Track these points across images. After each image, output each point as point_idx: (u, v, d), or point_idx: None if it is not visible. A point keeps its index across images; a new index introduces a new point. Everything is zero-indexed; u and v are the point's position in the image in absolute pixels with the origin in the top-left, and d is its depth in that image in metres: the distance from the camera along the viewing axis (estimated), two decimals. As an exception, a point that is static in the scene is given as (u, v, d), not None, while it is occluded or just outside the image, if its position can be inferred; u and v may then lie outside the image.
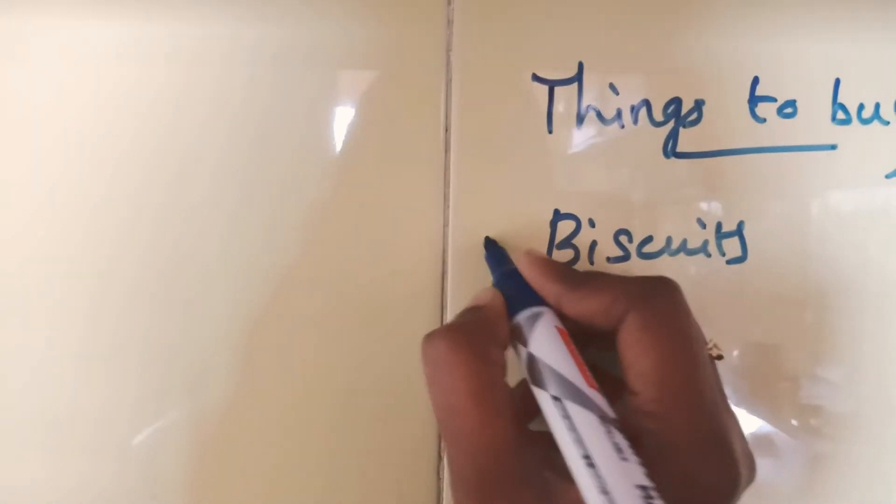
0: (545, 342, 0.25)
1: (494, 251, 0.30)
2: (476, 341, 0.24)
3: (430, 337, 0.25)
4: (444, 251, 0.31)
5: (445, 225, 0.31)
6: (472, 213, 0.31)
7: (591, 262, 0.32)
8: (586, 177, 0.32)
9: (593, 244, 0.32)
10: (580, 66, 0.31)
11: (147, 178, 0.30)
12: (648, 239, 0.32)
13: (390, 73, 0.30)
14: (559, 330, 0.25)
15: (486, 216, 0.31)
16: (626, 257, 0.32)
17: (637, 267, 0.32)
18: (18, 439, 0.30)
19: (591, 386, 0.24)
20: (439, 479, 0.32)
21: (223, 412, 0.31)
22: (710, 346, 0.33)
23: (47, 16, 0.29)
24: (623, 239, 0.32)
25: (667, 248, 0.32)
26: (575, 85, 0.31)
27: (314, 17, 0.30)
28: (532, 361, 0.25)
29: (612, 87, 0.31)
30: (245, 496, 0.32)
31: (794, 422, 0.35)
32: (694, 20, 0.32)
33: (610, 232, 0.32)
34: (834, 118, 0.33)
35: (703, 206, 0.32)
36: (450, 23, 0.30)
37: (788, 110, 0.32)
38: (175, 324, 0.31)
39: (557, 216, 0.32)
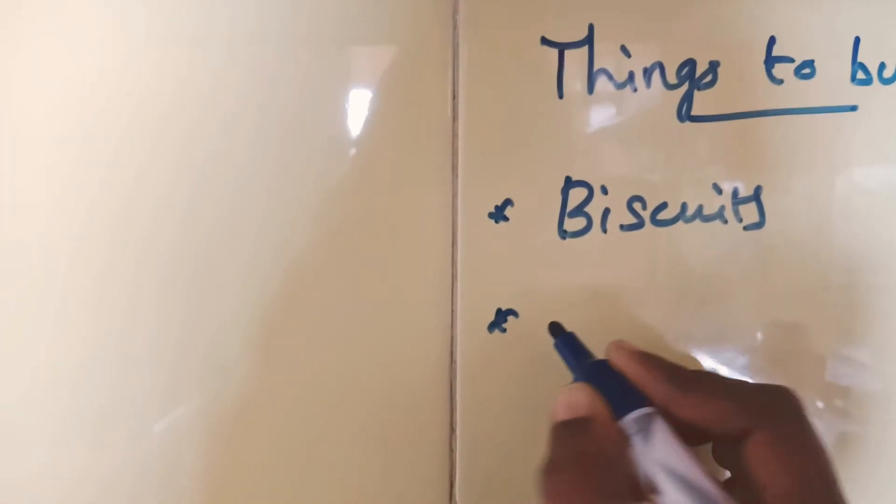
0: (671, 448, 0.24)
1: (567, 340, 0.29)
2: (599, 473, 0.23)
3: (549, 473, 0.24)
4: (454, 221, 0.31)
5: (455, 194, 0.31)
6: (481, 181, 0.31)
7: (604, 230, 0.31)
8: (598, 143, 0.31)
9: (606, 212, 0.31)
10: (590, 28, 0.30)
11: (153, 169, 0.29)
12: (663, 205, 0.31)
13: (397, 38, 0.30)
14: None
15: (496, 184, 0.31)
16: (640, 224, 0.31)
17: (652, 234, 0.31)
18: (33, 429, 0.30)
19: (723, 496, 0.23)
20: (451, 464, 0.32)
21: (238, 403, 0.31)
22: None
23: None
24: (637, 206, 0.31)
25: (682, 215, 0.32)
26: (585, 48, 0.30)
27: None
28: (655, 469, 0.23)
29: (623, 49, 0.30)
30: (259, 487, 0.32)
31: (819, 403, 0.34)
32: (708, -22, 0.31)
33: (623, 199, 0.31)
34: (854, 78, 0.32)
35: (719, 170, 0.32)
36: (456, -15, 0.30)
37: (806, 71, 0.31)
38: (190, 315, 0.30)
39: (569, 183, 0.31)
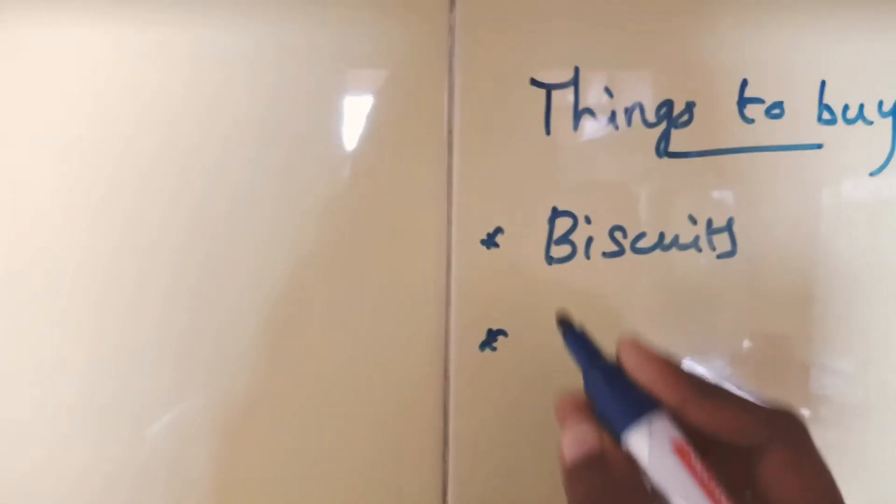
0: (665, 464, 0.24)
1: (577, 337, 0.28)
2: None
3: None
4: (449, 247, 0.33)
5: (449, 222, 0.33)
6: (474, 210, 0.33)
7: (588, 257, 0.33)
8: (583, 176, 0.33)
9: (589, 240, 0.33)
10: (576, 70, 0.32)
11: (158, 179, 0.31)
12: (642, 235, 0.34)
13: (395, 76, 0.32)
14: (677, 448, 0.24)
15: (487, 213, 0.33)
16: (620, 252, 0.34)
17: (632, 261, 0.34)
18: (39, 426, 0.31)
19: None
20: (445, 476, 0.34)
21: (241, 401, 0.32)
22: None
23: (53, 16, 0.30)
24: (618, 235, 0.34)
25: (659, 244, 0.34)
26: (571, 88, 0.33)
27: (319, 21, 0.31)
28: (654, 480, 0.24)
29: (606, 90, 0.33)
30: (263, 484, 0.33)
31: (804, 411, 0.36)
32: (685, 26, 0.33)
33: (605, 228, 0.33)
34: (820, 118, 0.34)
35: (694, 203, 0.34)
36: (451, 29, 0.32)
37: (776, 111, 0.34)
38: (194, 314, 0.32)
39: (555, 213, 0.33)
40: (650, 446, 0.24)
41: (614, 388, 0.25)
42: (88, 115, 0.30)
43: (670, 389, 0.25)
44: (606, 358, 0.27)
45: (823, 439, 0.35)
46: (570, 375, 0.34)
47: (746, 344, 0.36)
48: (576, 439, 0.25)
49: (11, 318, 0.30)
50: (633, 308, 0.34)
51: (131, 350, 0.31)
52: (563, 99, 0.33)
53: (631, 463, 0.24)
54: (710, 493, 0.23)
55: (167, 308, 0.31)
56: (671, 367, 0.25)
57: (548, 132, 0.33)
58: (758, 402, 0.26)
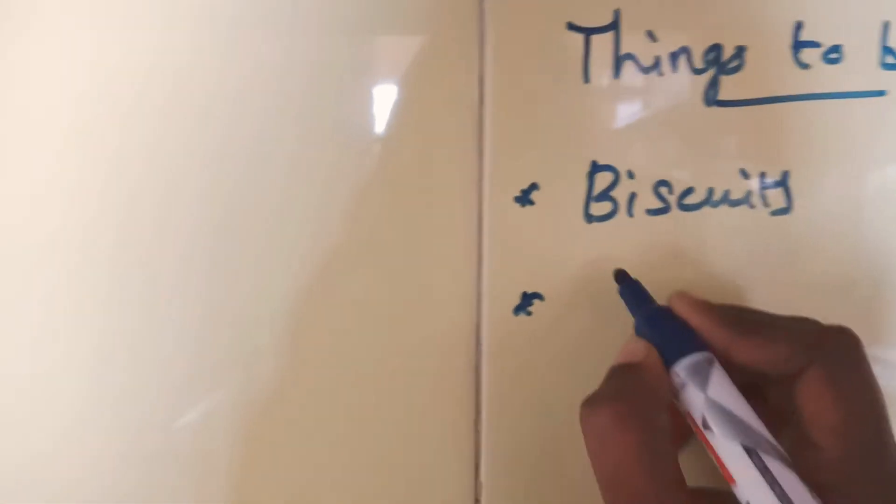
0: (726, 391, 0.24)
1: (632, 287, 0.29)
2: (642, 410, 0.24)
3: (591, 406, 0.24)
4: (480, 205, 0.31)
5: (481, 179, 0.31)
6: (507, 165, 0.31)
7: (631, 215, 0.31)
8: (624, 127, 0.31)
9: (632, 196, 0.31)
10: (616, 13, 0.30)
11: (184, 161, 0.30)
12: (689, 190, 0.31)
13: (423, 25, 0.30)
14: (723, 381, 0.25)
15: (522, 168, 0.31)
16: (666, 209, 0.31)
17: (678, 218, 0.31)
18: (63, 418, 0.31)
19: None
20: (477, 447, 0.32)
21: (268, 395, 0.31)
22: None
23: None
24: (663, 191, 0.31)
25: (708, 200, 0.32)
26: (612, 33, 0.30)
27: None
28: (710, 410, 0.24)
29: (649, 34, 0.31)
30: (288, 479, 0.32)
31: None
32: (734, -37, 0.31)
33: (649, 183, 0.31)
34: (883, 63, 0.32)
35: (746, 156, 0.32)
36: (483, -28, 0.30)
37: (834, 55, 0.31)
38: (218, 305, 0.30)
39: (595, 168, 0.31)
40: (713, 373, 0.25)
41: (665, 326, 0.27)
42: (89, 95, 0.29)
43: (715, 332, 0.26)
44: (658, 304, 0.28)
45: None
46: (610, 343, 0.32)
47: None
48: (627, 349, 0.27)
49: (25, 309, 0.30)
50: (678, 269, 0.32)
51: (164, 341, 0.30)
52: (602, 44, 0.30)
53: (666, 387, 0.25)
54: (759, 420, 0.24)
55: (189, 298, 0.30)
56: (716, 311, 0.26)
57: (586, 80, 0.31)
58: (805, 325, 0.26)
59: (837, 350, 0.25)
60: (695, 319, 0.27)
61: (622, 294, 0.30)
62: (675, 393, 0.26)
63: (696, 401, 0.24)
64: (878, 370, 0.33)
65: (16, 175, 0.29)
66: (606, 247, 0.31)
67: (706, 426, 0.24)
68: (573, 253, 0.31)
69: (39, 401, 0.30)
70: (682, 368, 0.25)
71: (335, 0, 0.30)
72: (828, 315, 0.33)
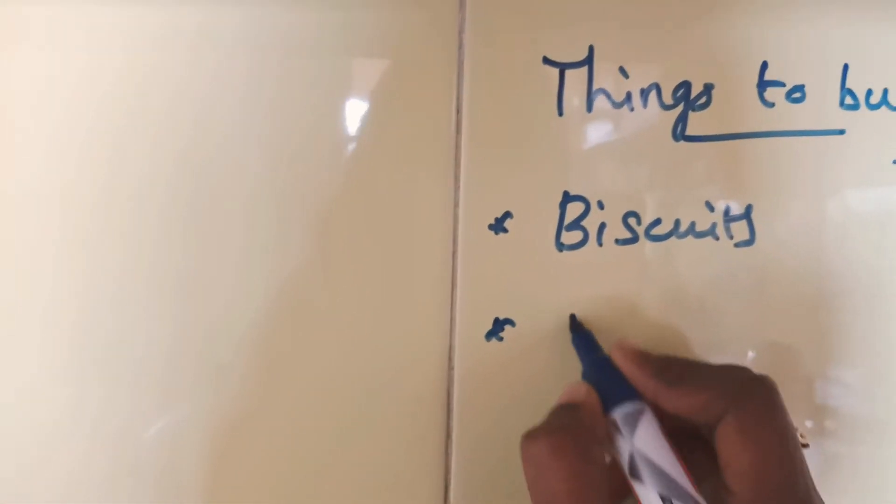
0: (651, 440, 0.26)
1: (582, 335, 0.31)
2: (578, 443, 0.25)
3: (530, 437, 0.26)
4: (455, 231, 0.32)
5: (456, 205, 0.32)
6: (482, 194, 0.31)
7: (600, 244, 0.32)
8: (596, 159, 0.32)
9: (602, 226, 0.32)
10: (591, 49, 0.31)
11: (152, 173, 0.30)
12: (657, 221, 0.32)
13: (403, 53, 0.31)
14: (654, 431, 0.26)
15: (497, 197, 0.32)
16: (634, 239, 0.32)
17: (646, 248, 0.32)
18: (32, 432, 0.31)
19: (694, 486, 0.25)
20: (447, 469, 0.33)
21: (236, 406, 0.31)
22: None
23: (48, 3, 0.29)
24: (632, 221, 0.32)
25: (675, 231, 0.33)
26: (585, 68, 0.31)
27: (325, 3, 0.30)
28: (635, 458, 0.26)
29: (622, 70, 0.32)
30: (257, 490, 0.32)
31: (808, 423, 0.35)
32: (704, 4, 0.32)
33: (619, 214, 0.32)
34: (842, 103, 0.33)
35: (712, 189, 0.33)
36: (462, 4, 0.31)
37: (797, 95, 0.32)
38: (188, 318, 0.31)
39: (567, 198, 0.32)
40: (641, 422, 0.26)
41: (605, 375, 0.29)
42: (81, 109, 0.29)
43: (645, 382, 0.28)
44: (604, 353, 0.30)
45: (829, 452, 0.35)
46: (577, 368, 0.32)
47: (765, 350, 0.34)
48: (570, 390, 0.28)
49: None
50: (645, 297, 0.33)
51: (132, 353, 0.31)
52: (576, 78, 0.31)
53: (602, 427, 0.27)
54: (686, 472, 0.25)
55: (159, 310, 0.31)
56: (648, 362, 0.28)
57: (560, 113, 0.31)
58: (725, 374, 0.27)
59: (752, 398, 0.26)
60: (628, 369, 0.28)
61: (574, 342, 0.31)
62: (609, 438, 0.27)
63: (623, 448, 0.26)
64: (836, 391, 0.35)
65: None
66: (577, 275, 0.32)
67: (631, 473, 0.25)
68: (545, 280, 0.32)
69: (10, 415, 0.30)
70: (615, 416, 0.27)
71: (317, 25, 0.30)
72: (788, 339, 0.34)
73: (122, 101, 0.30)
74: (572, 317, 0.32)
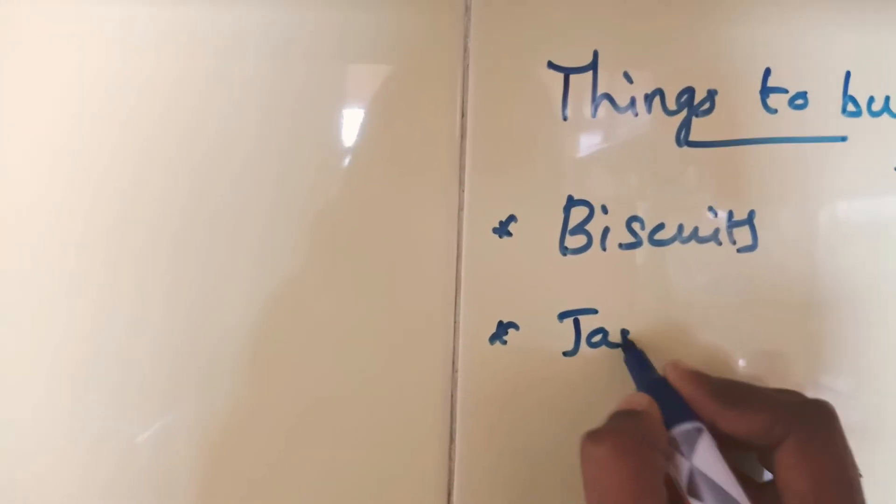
0: (711, 460, 0.26)
1: (637, 356, 0.32)
2: (642, 448, 0.25)
3: (594, 437, 0.26)
4: (459, 235, 0.32)
5: (461, 209, 0.32)
6: (487, 197, 0.32)
7: (604, 248, 0.32)
8: (600, 164, 0.32)
9: (605, 230, 0.32)
10: (595, 54, 0.31)
11: (144, 176, 0.30)
12: (660, 226, 0.33)
13: (409, 57, 0.31)
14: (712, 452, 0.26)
15: (501, 201, 0.32)
16: (637, 244, 0.33)
17: (649, 253, 0.33)
18: (24, 435, 0.31)
19: None
20: (450, 473, 0.33)
21: (229, 411, 0.31)
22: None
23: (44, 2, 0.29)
24: (635, 226, 0.32)
25: (678, 236, 0.33)
26: (590, 73, 0.32)
27: (329, 4, 0.30)
28: (695, 476, 0.26)
29: (626, 75, 0.32)
30: (250, 495, 0.32)
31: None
32: (708, 11, 0.32)
33: (622, 219, 0.32)
34: (844, 110, 0.33)
35: (715, 194, 0.33)
36: (468, 9, 0.31)
37: (800, 101, 0.33)
38: (182, 323, 0.31)
39: (571, 202, 0.32)
40: (700, 442, 0.26)
41: (661, 395, 0.29)
42: (78, 112, 0.30)
43: (704, 403, 0.28)
44: (658, 374, 0.30)
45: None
46: (581, 372, 0.33)
47: (756, 358, 0.35)
48: (631, 399, 0.28)
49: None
50: (649, 301, 0.33)
51: (126, 357, 0.31)
52: (581, 83, 0.32)
53: (664, 438, 0.27)
54: (741, 493, 0.25)
55: (159, 315, 0.31)
56: (706, 383, 0.28)
57: (564, 118, 0.32)
58: (785, 398, 0.27)
59: (813, 422, 0.26)
60: (685, 389, 0.28)
61: (627, 361, 0.32)
62: (667, 456, 0.27)
63: (683, 466, 0.26)
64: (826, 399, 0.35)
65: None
66: (580, 279, 0.32)
67: (690, 492, 0.26)
68: (548, 284, 0.32)
69: (2, 417, 0.30)
70: (674, 434, 0.27)
71: (323, 30, 0.30)
72: (785, 343, 0.34)
73: (115, 105, 0.30)
74: (625, 336, 0.32)
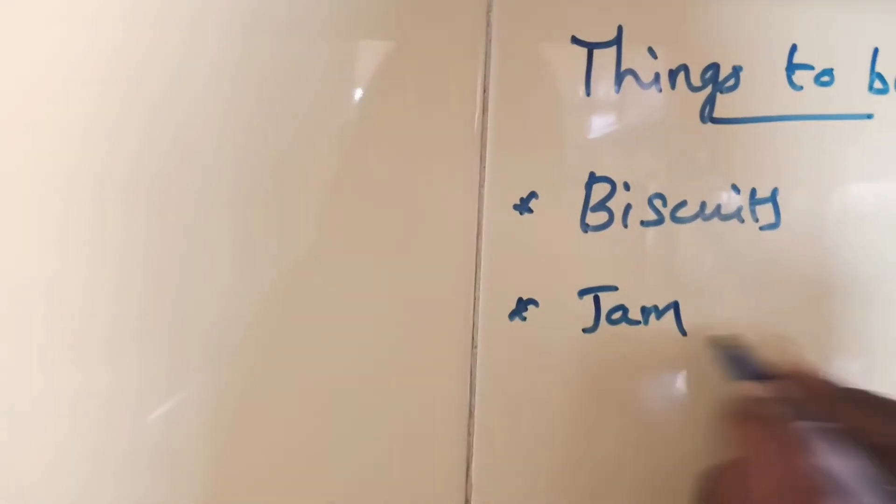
0: (851, 460, 0.26)
1: (739, 355, 0.31)
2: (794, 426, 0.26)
3: (752, 419, 0.27)
4: (480, 211, 0.32)
5: (481, 185, 0.32)
6: (508, 174, 0.31)
7: (625, 225, 0.32)
8: (622, 140, 0.32)
9: (627, 207, 0.32)
10: (619, 29, 0.31)
11: (153, 151, 0.30)
12: (682, 203, 0.32)
13: (431, 32, 0.31)
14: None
15: (522, 177, 0.32)
16: (660, 221, 0.32)
17: (671, 230, 0.32)
18: (35, 416, 0.31)
19: None
20: (469, 447, 0.33)
21: (238, 390, 0.31)
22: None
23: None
24: (657, 203, 0.32)
25: (700, 213, 0.32)
26: (614, 48, 0.31)
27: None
28: (836, 474, 0.25)
29: (650, 51, 0.31)
30: (258, 473, 0.32)
31: None
32: (734, -15, 0.32)
33: (644, 195, 0.32)
34: (871, 87, 0.33)
35: (738, 171, 0.33)
36: (491, -17, 0.31)
37: (825, 79, 0.32)
38: (191, 301, 0.31)
39: (592, 178, 0.32)
40: (825, 441, 0.26)
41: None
42: (79, 89, 0.29)
43: (836, 406, 0.27)
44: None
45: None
46: (600, 349, 0.33)
47: (769, 332, 0.34)
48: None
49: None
50: (670, 280, 0.33)
51: (136, 337, 0.31)
52: (605, 59, 0.31)
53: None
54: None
55: (172, 293, 0.31)
56: (837, 392, 0.28)
57: (588, 93, 0.31)
58: None
59: None
60: (816, 390, 0.28)
61: (723, 358, 0.31)
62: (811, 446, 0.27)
63: (828, 462, 0.26)
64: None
65: None
66: (601, 256, 0.32)
67: (831, 488, 0.25)
68: (569, 261, 0.32)
69: (15, 398, 0.31)
70: (811, 430, 0.27)
71: (344, 7, 0.30)
72: (803, 323, 0.34)
73: (118, 84, 0.29)
74: (721, 338, 0.32)
